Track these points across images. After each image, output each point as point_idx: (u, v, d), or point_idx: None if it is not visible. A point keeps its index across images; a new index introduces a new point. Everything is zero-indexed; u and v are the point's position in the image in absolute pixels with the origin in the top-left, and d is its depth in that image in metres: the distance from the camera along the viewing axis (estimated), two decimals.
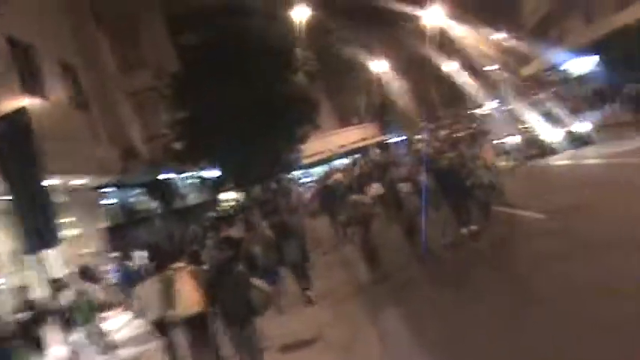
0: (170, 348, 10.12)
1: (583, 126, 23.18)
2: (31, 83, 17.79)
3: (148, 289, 9.88)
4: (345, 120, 65.61)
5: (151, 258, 12.42)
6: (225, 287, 8.55)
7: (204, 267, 9.92)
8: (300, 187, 40.36)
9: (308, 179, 52.63)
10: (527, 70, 39.87)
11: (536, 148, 23.68)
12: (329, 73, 51.39)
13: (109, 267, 18.42)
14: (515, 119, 30.05)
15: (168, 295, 9.19)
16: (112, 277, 18.22)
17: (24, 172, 6.39)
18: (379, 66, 51.74)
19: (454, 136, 25.74)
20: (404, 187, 13.34)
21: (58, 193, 18.77)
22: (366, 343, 9.05)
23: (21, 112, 6.96)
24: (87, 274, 14.39)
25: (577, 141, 22.48)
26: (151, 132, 29.36)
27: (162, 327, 9.95)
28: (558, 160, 21.08)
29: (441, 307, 9.28)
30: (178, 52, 30.90)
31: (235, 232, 14.40)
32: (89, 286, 12.06)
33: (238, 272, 8.95)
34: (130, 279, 18.00)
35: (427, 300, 10.06)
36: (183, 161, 29.14)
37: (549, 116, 24.85)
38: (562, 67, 35.89)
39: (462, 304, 9.07)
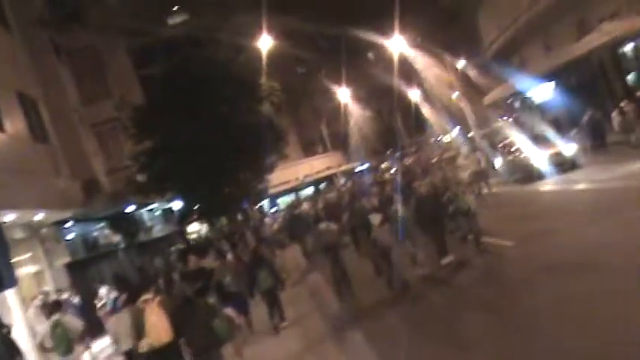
0: None
1: (569, 148, 21.76)
2: None
3: (120, 321, 10.26)
4: (309, 149, 65.80)
5: (121, 290, 12.31)
6: (191, 317, 8.99)
7: (174, 297, 10.25)
8: (267, 218, 40.02)
9: (274, 209, 52.42)
10: (489, 98, 40.55)
11: (519, 173, 22.76)
12: (294, 102, 51.65)
13: (71, 303, 17.76)
14: (483, 145, 30.28)
15: (138, 326, 9.40)
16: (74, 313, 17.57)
17: None
18: (343, 95, 52.10)
19: (430, 162, 25.53)
20: (375, 219, 12.82)
21: (16, 229, 18.22)
22: None
23: None
24: (54, 308, 14.10)
25: (563, 164, 21.17)
26: (114, 164, 28.80)
27: (133, 357, 10.11)
28: (542, 185, 20.25)
29: (414, 339, 9.09)
30: (141, 83, 30.60)
31: (207, 263, 14.30)
32: (65, 317, 11.90)
33: (206, 302, 9.59)
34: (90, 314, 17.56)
35: (399, 333, 9.83)
36: (147, 193, 28.59)
37: (534, 139, 24.06)
38: (523, 95, 36.65)
39: (435, 335, 8.99)
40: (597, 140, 22.87)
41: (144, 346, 9.37)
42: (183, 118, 25.39)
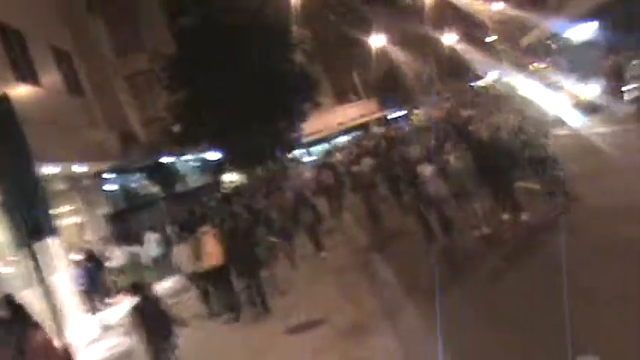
0: (201, 295, 12.74)
1: (589, 90, 20.50)
2: (23, 70, 17.35)
3: (181, 251, 12.63)
4: (342, 97, 65.07)
5: (183, 228, 15.55)
6: (237, 246, 11.34)
7: (225, 231, 12.50)
8: (301, 167, 39.98)
9: (309, 158, 52.33)
10: (527, 40, 39.31)
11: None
12: (326, 49, 51.00)
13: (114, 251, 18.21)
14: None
15: (196, 252, 11.90)
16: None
17: (9, 162, 6.17)
18: (377, 40, 51.05)
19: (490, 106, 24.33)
20: (425, 169, 11.17)
21: (57, 181, 18.58)
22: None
23: (1, 99, 6.69)
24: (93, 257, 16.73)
25: (585, 108, 19.86)
26: (149, 115, 29.00)
27: (194, 279, 12.70)
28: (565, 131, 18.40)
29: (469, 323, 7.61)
30: (174, 33, 30.44)
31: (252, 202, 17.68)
32: (136, 249, 14.89)
33: (251, 234, 12.22)
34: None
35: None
36: (183, 144, 28.82)
37: (553, 85, 23.14)
38: (563, 35, 35.39)
39: (478, 293, 8.46)
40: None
41: (201, 267, 11.86)
42: (215, 68, 25.32)
